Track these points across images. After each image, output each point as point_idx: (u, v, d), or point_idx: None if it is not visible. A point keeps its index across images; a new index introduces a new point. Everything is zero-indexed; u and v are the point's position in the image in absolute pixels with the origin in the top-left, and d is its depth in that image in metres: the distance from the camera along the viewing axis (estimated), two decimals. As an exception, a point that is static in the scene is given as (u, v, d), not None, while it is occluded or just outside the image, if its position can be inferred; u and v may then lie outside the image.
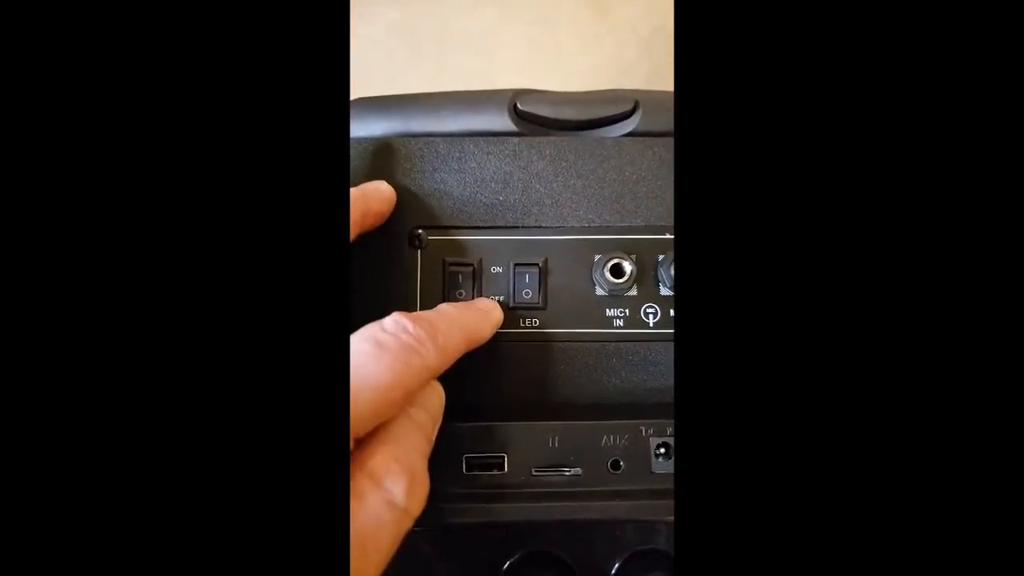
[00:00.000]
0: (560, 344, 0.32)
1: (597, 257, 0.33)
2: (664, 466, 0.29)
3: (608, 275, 0.32)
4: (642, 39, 1.11)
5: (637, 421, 0.29)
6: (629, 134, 0.35)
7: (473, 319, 0.29)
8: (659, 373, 0.32)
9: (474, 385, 0.31)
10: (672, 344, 0.32)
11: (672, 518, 0.28)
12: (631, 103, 0.35)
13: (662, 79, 1.12)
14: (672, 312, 0.33)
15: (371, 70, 1.05)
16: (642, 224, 0.33)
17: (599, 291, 0.33)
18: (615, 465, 0.29)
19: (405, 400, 0.24)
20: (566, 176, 0.33)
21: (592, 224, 0.33)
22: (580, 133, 0.35)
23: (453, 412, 0.29)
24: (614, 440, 0.29)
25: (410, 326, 0.24)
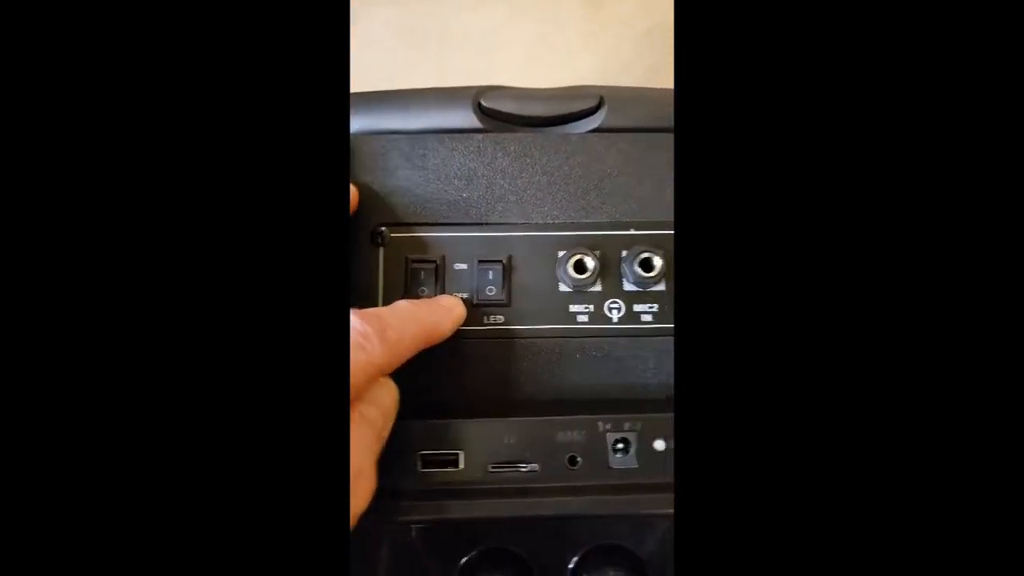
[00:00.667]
0: (524, 340, 0.32)
1: (561, 253, 0.33)
2: (622, 461, 0.29)
3: (571, 271, 0.32)
4: (639, 36, 1.10)
5: (595, 417, 0.29)
6: (595, 130, 0.35)
7: (431, 315, 0.29)
8: (623, 369, 0.32)
9: (436, 382, 0.31)
10: (634, 340, 0.32)
11: (628, 513, 0.28)
12: (596, 99, 0.35)
13: (660, 76, 1.12)
14: (635, 307, 0.33)
15: (370, 69, 1.05)
16: (607, 220, 0.33)
17: (563, 287, 0.33)
18: (572, 461, 0.29)
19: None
20: (531, 172, 0.33)
21: (556, 220, 0.33)
22: (545, 129, 0.35)
23: (414, 409, 0.29)
24: (571, 436, 0.29)
25: (356, 322, 0.25)
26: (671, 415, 0.30)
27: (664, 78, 1.13)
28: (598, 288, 0.33)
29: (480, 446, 0.30)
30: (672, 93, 0.37)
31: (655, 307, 0.33)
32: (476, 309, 0.32)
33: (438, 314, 0.30)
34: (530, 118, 0.35)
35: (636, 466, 0.29)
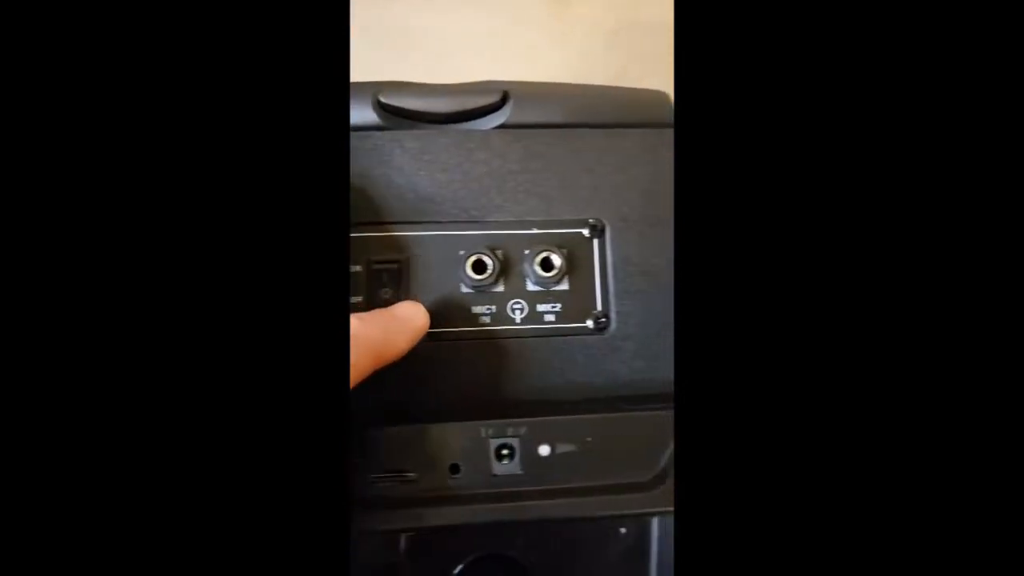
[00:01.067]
0: (423, 343, 0.31)
1: (461, 253, 0.32)
2: (505, 468, 0.28)
3: (470, 271, 0.31)
4: (606, 35, 1.10)
5: (477, 423, 0.28)
6: (500, 127, 0.34)
7: (382, 333, 0.27)
8: (526, 370, 0.31)
9: None
10: (538, 340, 0.31)
11: (513, 520, 0.27)
12: (499, 94, 0.34)
13: (627, 76, 1.11)
14: (538, 307, 0.32)
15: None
16: (509, 219, 0.32)
17: (464, 288, 0.32)
18: (454, 469, 0.28)
19: None
20: (430, 170, 0.32)
21: (457, 219, 0.32)
22: (448, 126, 0.34)
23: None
24: (452, 443, 0.28)
25: None
26: (555, 419, 0.29)
27: (633, 78, 1.12)
28: (500, 288, 0.32)
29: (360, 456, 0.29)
30: (580, 89, 0.36)
31: (558, 306, 0.32)
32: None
33: (391, 330, 0.27)
34: (432, 115, 0.34)
35: (520, 472, 0.28)
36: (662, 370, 0.32)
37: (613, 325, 0.32)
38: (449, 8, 1.11)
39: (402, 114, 0.34)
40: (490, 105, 0.34)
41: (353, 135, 0.33)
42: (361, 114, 0.33)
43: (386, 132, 0.33)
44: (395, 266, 0.31)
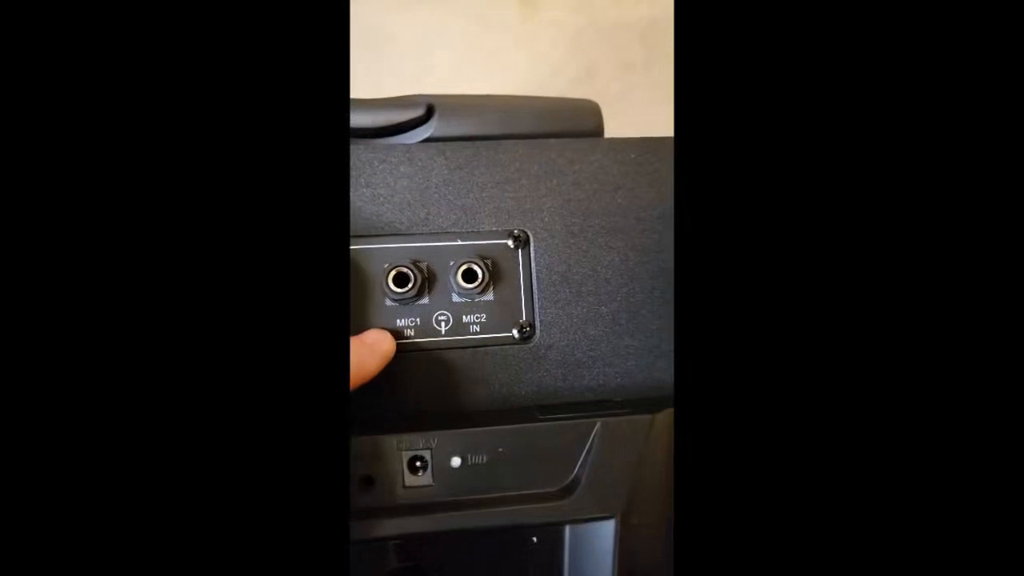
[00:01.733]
0: None
1: (385, 266, 0.32)
2: (417, 480, 0.29)
3: (391, 285, 0.32)
4: (570, 37, 1.10)
5: (391, 435, 0.29)
6: (427, 140, 0.34)
7: (352, 360, 0.28)
8: (450, 383, 0.32)
9: None
10: (463, 351, 0.32)
11: (425, 532, 0.28)
12: (423, 108, 0.34)
13: (592, 77, 1.12)
14: (464, 318, 0.32)
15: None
16: (433, 231, 0.33)
17: (388, 301, 0.32)
18: (367, 481, 0.29)
19: None
20: (355, 185, 0.33)
21: (381, 233, 0.33)
22: (374, 141, 0.34)
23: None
24: (364, 456, 0.29)
25: None
26: (468, 430, 0.29)
27: (603, 79, 1.13)
28: (425, 300, 0.32)
29: None
30: (506, 100, 0.37)
31: (483, 317, 0.33)
32: None
33: (361, 354, 0.29)
34: (359, 129, 0.34)
35: (432, 484, 0.29)
36: (585, 378, 0.32)
37: (537, 334, 0.33)
38: (419, 9, 1.11)
39: (328, 129, 0.34)
40: (416, 119, 0.34)
41: None
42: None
43: None
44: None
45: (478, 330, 0.32)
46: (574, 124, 0.36)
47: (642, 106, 1.07)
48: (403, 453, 0.29)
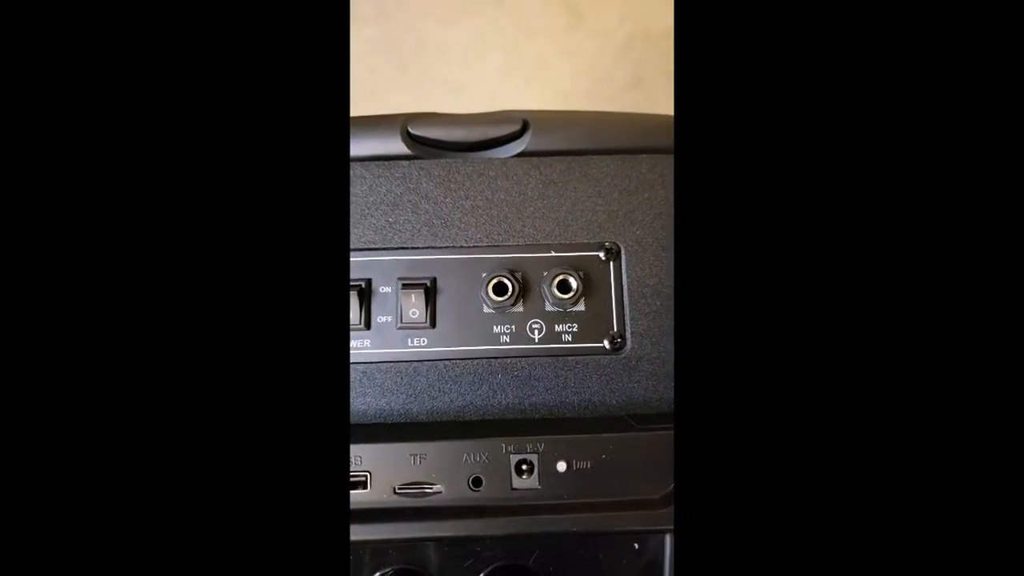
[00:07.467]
0: (447, 362, 0.33)
1: (483, 275, 0.34)
2: (524, 482, 0.30)
3: (491, 293, 0.33)
4: (618, 46, 1.11)
5: (498, 439, 0.30)
6: (520, 154, 0.36)
7: None
8: (543, 388, 0.33)
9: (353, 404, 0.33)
10: (555, 359, 0.33)
11: (530, 533, 0.29)
12: (519, 123, 0.36)
13: (639, 85, 1.12)
14: (556, 327, 0.34)
15: (354, 85, 1.07)
16: (528, 243, 0.34)
17: (486, 309, 0.34)
18: (476, 482, 0.30)
19: None
20: (455, 197, 0.34)
21: (480, 244, 0.34)
22: (471, 154, 0.36)
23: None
24: (475, 458, 0.30)
25: None
26: (574, 436, 0.31)
27: (647, 87, 1.13)
28: (520, 309, 0.34)
29: (387, 468, 0.31)
30: (595, 116, 0.38)
31: (575, 327, 0.34)
32: (400, 332, 0.33)
33: None
34: (457, 143, 0.36)
35: (538, 487, 0.30)
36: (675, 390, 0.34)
37: (628, 345, 0.34)
38: (467, 20, 1.12)
39: (429, 144, 0.35)
40: (511, 134, 0.36)
41: (384, 164, 0.35)
42: (391, 144, 0.35)
43: (414, 161, 0.35)
44: (422, 287, 0.33)
45: (570, 339, 0.34)
46: (658, 140, 0.37)
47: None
48: (511, 456, 0.30)
